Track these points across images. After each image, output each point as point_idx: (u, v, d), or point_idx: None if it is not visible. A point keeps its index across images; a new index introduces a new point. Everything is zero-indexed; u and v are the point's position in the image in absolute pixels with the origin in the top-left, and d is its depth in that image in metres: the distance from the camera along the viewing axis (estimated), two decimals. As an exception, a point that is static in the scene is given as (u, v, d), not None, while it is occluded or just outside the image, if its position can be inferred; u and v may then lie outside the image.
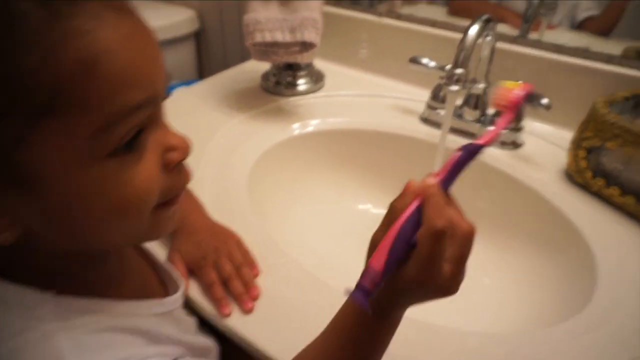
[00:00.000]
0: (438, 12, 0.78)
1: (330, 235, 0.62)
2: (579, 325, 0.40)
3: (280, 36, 0.61)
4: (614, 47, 0.63)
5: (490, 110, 0.65)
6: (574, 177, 0.55)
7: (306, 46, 0.63)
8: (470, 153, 0.29)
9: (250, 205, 0.53)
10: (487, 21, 0.53)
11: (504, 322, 0.49)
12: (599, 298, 0.43)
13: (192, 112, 0.69)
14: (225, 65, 0.79)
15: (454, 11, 0.78)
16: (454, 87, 0.52)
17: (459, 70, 0.51)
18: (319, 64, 0.81)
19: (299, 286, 0.43)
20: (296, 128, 0.67)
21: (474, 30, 0.51)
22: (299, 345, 0.33)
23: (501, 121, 0.31)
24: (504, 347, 0.38)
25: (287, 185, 0.64)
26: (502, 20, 0.70)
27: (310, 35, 0.61)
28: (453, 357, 0.37)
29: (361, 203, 0.67)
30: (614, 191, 0.51)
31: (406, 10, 0.77)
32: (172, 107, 0.69)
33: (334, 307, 0.32)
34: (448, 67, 0.53)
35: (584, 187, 0.55)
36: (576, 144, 0.54)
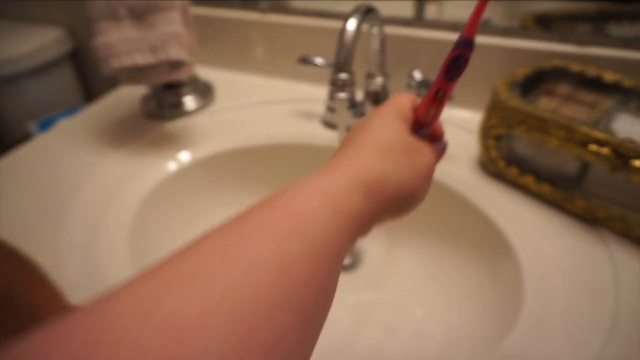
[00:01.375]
0: None
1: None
2: (513, 345, 0.36)
3: (140, 58, 0.52)
4: (509, 12, 0.59)
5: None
6: (488, 167, 0.51)
7: (175, 64, 0.55)
8: (459, 48, 0.27)
9: (133, 269, 0.45)
10: (367, 11, 0.47)
11: (428, 338, 0.44)
12: (527, 303, 0.39)
13: (55, 160, 0.59)
14: (113, 83, 0.69)
15: None
16: (342, 95, 0.45)
17: (343, 75, 0.44)
18: (205, 73, 0.72)
19: None
20: (185, 156, 0.58)
21: (351, 25, 0.44)
22: None
23: (479, 6, 0.26)
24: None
25: (182, 228, 0.56)
26: None
27: (175, 53, 0.52)
28: None
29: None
30: (528, 179, 0.47)
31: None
32: (32, 156, 0.58)
33: None
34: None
35: (500, 176, 0.50)
36: (484, 133, 0.50)
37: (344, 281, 0.55)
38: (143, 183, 0.55)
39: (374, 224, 0.25)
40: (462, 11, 0.62)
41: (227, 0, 0.72)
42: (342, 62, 0.44)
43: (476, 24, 0.25)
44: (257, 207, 0.22)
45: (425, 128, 0.29)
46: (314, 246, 0.20)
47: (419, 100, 0.30)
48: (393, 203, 0.26)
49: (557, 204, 0.46)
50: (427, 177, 0.28)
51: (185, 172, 0.58)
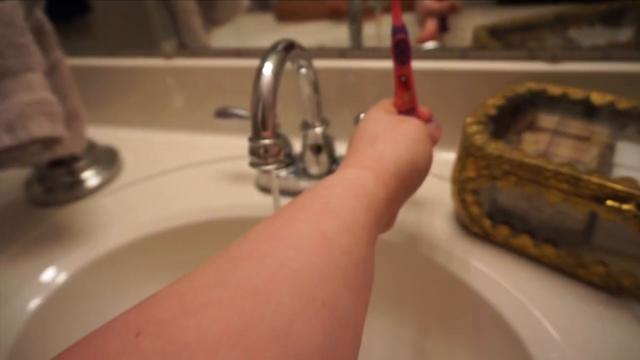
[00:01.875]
0: (265, 23, 0.60)
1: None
2: None
3: (-8, 142, 0.38)
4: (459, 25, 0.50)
5: (341, 152, 0.48)
6: (471, 227, 0.40)
7: (47, 141, 0.41)
8: (398, 41, 0.32)
9: None
10: (288, 48, 0.35)
11: None
12: None
13: None
14: None
15: (281, 16, 0.61)
16: (269, 167, 0.33)
17: (266, 141, 0.32)
18: (108, 136, 0.59)
19: None
20: (82, 256, 0.44)
21: (268, 70, 0.32)
22: None
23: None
24: None
25: None
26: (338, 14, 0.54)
27: (41, 129, 0.39)
28: None
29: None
30: (524, 240, 0.37)
31: (224, 31, 0.58)
32: None
33: None
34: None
35: (487, 239, 0.40)
36: (459, 186, 0.39)
37: None
38: (25, 300, 0.40)
39: (393, 205, 0.28)
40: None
41: (124, 47, 0.59)
42: (260, 121, 0.32)
43: (399, 13, 0.31)
44: (288, 206, 0.24)
45: (410, 114, 0.34)
46: (346, 221, 0.22)
47: None
48: (400, 174, 0.28)
49: (565, 270, 0.36)
50: (420, 140, 0.30)
51: (81, 279, 0.44)
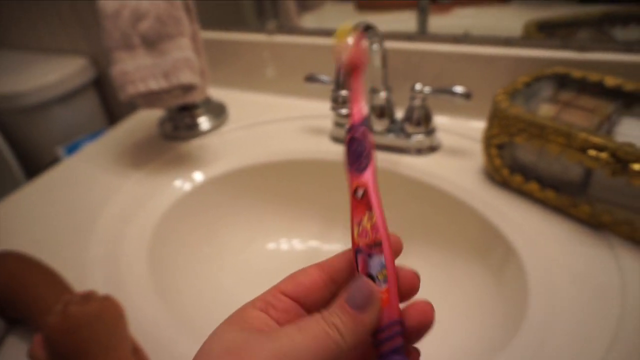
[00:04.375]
0: (346, 11, 0.74)
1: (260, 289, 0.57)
2: (517, 350, 0.36)
3: (154, 84, 0.55)
4: (514, 18, 0.60)
5: (399, 115, 0.61)
6: (493, 176, 0.52)
7: (187, 87, 0.57)
8: (351, 140, 0.23)
9: (151, 283, 0.47)
10: (366, 29, 0.48)
11: (435, 345, 0.44)
12: (532, 309, 0.39)
13: (80, 182, 0.62)
14: (133, 107, 0.73)
15: (362, 6, 0.74)
16: (343, 111, 0.47)
17: (343, 92, 0.46)
18: (218, 94, 0.75)
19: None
20: (200, 175, 0.61)
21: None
22: None
23: (354, 84, 0.23)
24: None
25: (198, 245, 0.58)
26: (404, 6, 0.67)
27: (186, 77, 0.55)
28: None
29: (287, 241, 0.62)
30: (533, 186, 0.48)
31: (311, 15, 0.73)
32: (60, 179, 0.62)
33: None
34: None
35: (505, 184, 0.51)
36: (487, 142, 0.50)
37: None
38: (160, 202, 0.57)
39: None
40: (470, 21, 0.63)
41: (236, 23, 0.75)
42: (342, 79, 0.46)
43: (359, 99, 0.22)
44: None
45: (376, 248, 0.21)
46: None
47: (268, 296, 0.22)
48: None
49: (562, 210, 0.47)
50: None
51: (200, 190, 0.60)
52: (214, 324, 0.49)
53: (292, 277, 0.22)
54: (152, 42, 0.55)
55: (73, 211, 0.57)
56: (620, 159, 0.39)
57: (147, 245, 0.52)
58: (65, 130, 1.00)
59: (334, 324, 0.19)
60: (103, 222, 0.54)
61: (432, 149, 0.59)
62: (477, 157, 0.56)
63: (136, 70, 0.55)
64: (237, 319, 0.21)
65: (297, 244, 0.62)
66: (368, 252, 0.20)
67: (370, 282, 0.20)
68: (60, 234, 0.53)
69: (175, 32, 0.55)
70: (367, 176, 0.21)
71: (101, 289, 0.44)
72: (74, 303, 0.36)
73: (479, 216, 0.49)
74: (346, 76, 0.22)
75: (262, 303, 0.21)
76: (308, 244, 0.61)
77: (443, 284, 0.51)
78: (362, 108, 0.22)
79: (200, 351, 0.20)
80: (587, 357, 0.35)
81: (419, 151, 0.58)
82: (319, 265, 0.22)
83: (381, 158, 0.59)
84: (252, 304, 0.22)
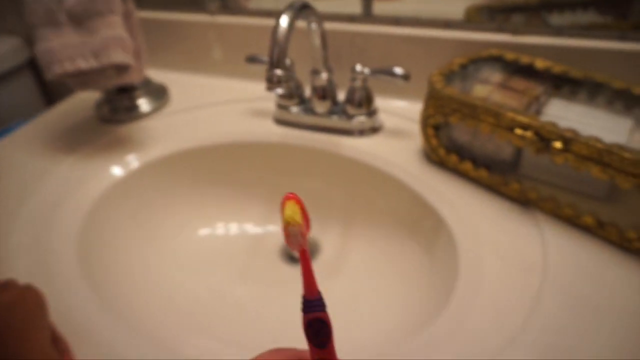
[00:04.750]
0: None
1: (198, 275, 0.56)
2: (444, 324, 0.37)
3: (83, 63, 0.52)
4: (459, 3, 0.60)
5: (341, 97, 0.60)
6: (430, 155, 0.52)
7: (121, 68, 0.55)
8: (313, 322, 0.23)
9: (79, 270, 0.45)
10: (302, 8, 0.48)
11: (366, 332, 0.45)
12: (460, 284, 0.40)
13: (7, 167, 0.59)
14: (72, 90, 0.69)
15: None
16: (279, 90, 0.46)
17: (277, 71, 0.45)
18: (159, 76, 0.72)
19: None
20: (135, 159, 0.59)
21: (284, 22, 0.45)
22: None
23: (304, 265, 0.23)
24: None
25: (131, 231, 0.56)
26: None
27: (117, 56, 0.53)
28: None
29: (224, 226, 0.61)
30: (467, 166, 0.49)
31: None
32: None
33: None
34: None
35: (442, 164, 0.52)
36: (423, 123, 0.51)
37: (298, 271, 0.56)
38: (93, 187, 0.55)
39: None
40: (415, 6, 0.64)
41: (177, 3, 0.72)
42: (275, 58, 0.45)
43: (310, 281, 0.22)
44: None
45: None
46: None
47: None
48: None
49: (494, 188, 0.48)
50: None
51: (134, 175, 0.58)
52: (143, 309, 0.48)
53: None
54: (80, 20, 0.52)
55: (-2, 198, 0.54)
56: (544, 137, 0.41)
57: (76, 231, 0.49)
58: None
59: None
60: (30, 208, 0.52)
61: (374, 130, 0.59)
62: (416, 138, 0.56)
63: (63, 49, 0.52)
64: None
65: (234, 229, 0.61)
66: None
67: None
68: (-18, 221, 0.50)
69: (105, 9, 0.53)
70: (329, 353, 0.23)
71: (24, 278, 0.42)
72: None
73: (415, 194, 0.50)
74: (296, 252, 0.22)
75: None
76: (245, 228, 0.61)
77: (379, 261, 0.52)
78: (316, 286, 0.22)
79: None
80: (506, 325, 0.36)
81: (361, 132, 0.59)
82: None
83: (323, 140, 0.59)
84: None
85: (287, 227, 0.21)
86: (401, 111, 0.62)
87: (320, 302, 0.22)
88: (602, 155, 0.37)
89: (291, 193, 0.21)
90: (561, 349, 0.34)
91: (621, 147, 0.37)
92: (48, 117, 0.69)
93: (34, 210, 0.51)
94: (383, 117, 0.61)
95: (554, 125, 0.40)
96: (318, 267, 0.57)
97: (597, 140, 0.38)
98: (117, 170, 0.57)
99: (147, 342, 0.39)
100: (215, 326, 0.49)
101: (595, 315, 0.36)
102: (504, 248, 0.43)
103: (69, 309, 0.41)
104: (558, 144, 0.40)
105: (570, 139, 0.39)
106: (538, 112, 0.47)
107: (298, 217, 0.21)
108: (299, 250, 0.21)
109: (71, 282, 0.44)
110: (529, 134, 0.41)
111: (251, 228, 0.61)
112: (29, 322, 0.33)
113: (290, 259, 0.58)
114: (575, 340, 0.35)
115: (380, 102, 0.61)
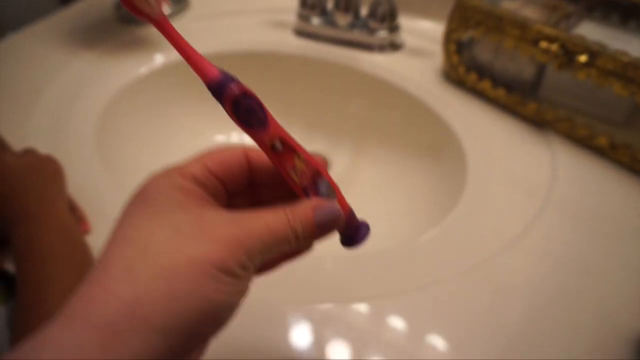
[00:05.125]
0: None
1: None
2: (445, 228, 0.38)
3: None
4: None
5: (364, 12, 0.59)
6: (449, 74, 0.52)
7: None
8: (234, 104, 0.19)
9: (98, 156, 0.46)
10: None
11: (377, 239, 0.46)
12: (466, 197, 0.41)
13: (24, 58, 0.59)
14: None
15: None
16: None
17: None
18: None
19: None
20: (157, 60, 0.59)
21: None
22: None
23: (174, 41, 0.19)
24: (359, 268, 0.36)
25: (150, 129, 0.57)
26: None
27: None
28: (308, 283, 0.35)
29: (238, 134, 0.62)
30: (486, 85, 0.48)
31: None
32: (2, 54, 0.59)
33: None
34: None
35: (461, 84, 0.51)
36: (446, 38, 0.50)
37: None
38: (113, 83, 0.55)
39: None
40: None
41: None
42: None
43: (196, 59, 0.18)
44: None
45: (318, 177, 0.21)
46: None
47: (195, 165, 0.20)
48: None
49: (510, 108, 0.47)
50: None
51: (156, 75, 0.58)
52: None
53: (217, 154, 0.21)
54: None
55: (16, 85, 0.54)
56: (569, 50, 0.40)
57: (95, 121, 0.50)
58: (13, 12, 0.93)
59: (295, 231, 0.19)
60: (50, 97, 0.52)
61: (395, 47, 0.58)
62: (437, 58, 0.55)
63: None
64: (171, 191, 0.19)
65: (248, 139, 0.61)
66: (314, 183, 0.21)
67: (339, 207, 0.21)
68: (0, 104, 0.51)
69: None
70: (274, 126, 0.20)
71: (43, 154, 0.43)
72: (10, 154, 0.36)
73: (430, 111, 0.50)
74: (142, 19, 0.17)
75: (191, 178, 0.19)
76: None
77: (390, 176, 0.53)
78: (207, 63, 0.18)
79: (132, 233, 0.17)
80: (506, 232, 0.37)
81: (382, 48, 0.58)
82: (244, 151, 0.21)
83: (342, 54, 0.58)
84: (179, 173, 0.19)
85: None
86: (425, 32, 0.60)
87: (226, 78, 0.18)
88: (627, 70, 0.36)
89: None
90: (560, 255, 0.35)
91: (647, 62, 0.36)
92: (66, 15, 0.68)
93: (54, 99, 0.52)
94: (405, 37, 0.59)
95: (581, 38, 0.39)
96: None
97: (624, 53, 0.37)
98: (138, 69, 0.57)
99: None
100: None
101: (598, 229, 0.37)
102: (513, 165, 0.43)
103: (85, 187, 0.42)
104: (583, 58, 0.39)
105: (596, 52, 0.38)
106: (566, 30, 0.46)
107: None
108: (153, 19, 0.17)
109: (88, 164, 0.45)
110: (554, 47, 0.40)
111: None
112: (47, 186, 0.35)
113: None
114: (575, 249, 0.36)
115: (404, 21, 0.59)
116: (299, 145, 0.20)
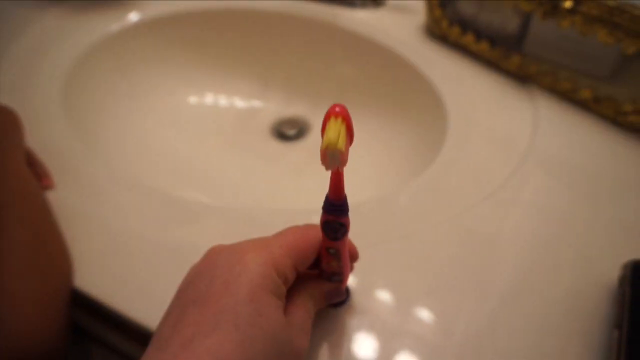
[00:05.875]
0: None
1: (186, 139, 0.55)
2: (425, 180, 0.37)
3: None
4: None
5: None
6: (432, 28, 0.50)
7: None
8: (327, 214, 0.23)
9: (62, 111, 0.44)
10: None
11: (356, 194, 0.45)
12: (446, 150, 0.40)
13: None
14: None
15: None
16: None
17: None
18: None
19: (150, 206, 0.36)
20: (127, 19, 0.56)
21: None
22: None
23: (335, 177, 0.22)
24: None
25: (121, 88, 0.54)
26: None
27: None
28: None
29: (213, 96, 0.60)
30: (469, 38, 0.47)
31: None
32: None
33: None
34: None
35: (443, 39, 0.50)
36: (429, -10, 0.48)
37: (288, 148, 0.56)
38: (83, 39, 0.52)
39: None
40: None
41: None
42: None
43: (339, 187, 0.22)
44: None
45: (336, 276, 0.26)
46: None
47: (282, 259, 0.22)
48: None
49: (493, 63, 0.46)
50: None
51: (128, 34, 0.56)
52: (126, 156, 0.47)
53: (305, 252, 0.24)
54: None
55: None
56: (553, -3, 0.38)
57: (63, 78, 0.48)
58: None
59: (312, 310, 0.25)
60: (14, 52, 0.50)
61: (377, 2, 0.56)
62: (420, 14, 0.53)
63: None
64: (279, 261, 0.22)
65: (224, 101, 0.59)
66: (333, 274, 0.26)
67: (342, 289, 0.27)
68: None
69: None
70: (343, 244, 0.24)
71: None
72: None
73: (411, 67, 0.48)
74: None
75: (284, 279, 0.22)
76: (234, 101, 0.59)
77: (373, 130, 0.51)
78: (343, 191, 0.22)
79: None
80: (487, 183, 0.36)
81: (363, 3, 0.56)
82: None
83: (322, 11, 0.56)
84: (276, 271, 0.22)
85: (327, 150, 0.18)
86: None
87: (343, 207, 0.22)
88: (613, 15, 0.35)
89: (338, 106, 0.19)
90: (541, 207, 0.35)
91: (633, 5, 0.35)
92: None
93: (20, 55, 0.49)
94: (387, -8, 0.57)
95: (566, -16, 0.38)
96: (308, 146, 0.56)
97: (610, -2, 0.36)
98: (110, 25, 0.55)
99: (128, 180, 0.39)
100: (200, 185, 0.49)
101: (580, 182, 0.36)
102: (495, 119, 0.42)
103: (49, 144, 0.40)
104: (568, 3, 0.37)
105: (581, -3, 0.37)
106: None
107: (342, 143, 0.19)
108: (333, 171, 0.21)
109: (54, 118, 0.43)
110: (538, -6, 0.39)
111: (240, 102, 0.60)
112: (2, 136, 0.33)
113: (280, 136, 0.57)
114: (556, 200, 0.35)
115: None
116: (345, 259, 0.25)
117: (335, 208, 0.22)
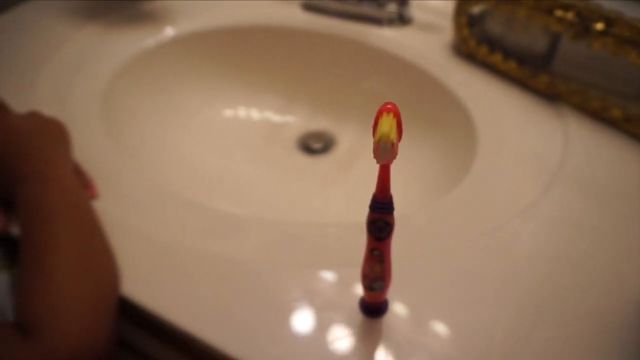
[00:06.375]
0: None
1: (217, 152, 0.56)
2: (456, 196, 0.38)
3: None
4: None
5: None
6: (460, 47, 0.51)
7: None
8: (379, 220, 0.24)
9: (102, 125, 0.46)
10: None
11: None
12: (477, 168, 0.40)
13: (30, 29, 0.58)
14: None
15: None
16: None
17: None
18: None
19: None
20: (162, 34, 0.58)
21: None
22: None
23: (383, 173, 0.23)
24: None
25: (157, 102, 0.56)
26: None
27: None
28: (314, 248, 0.34)
29: (245, 109, 0.61)
30: (497, 57, 0.47)
31: None
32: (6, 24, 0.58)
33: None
34: None
35: (471, 57, 0.50)
36: (457, 10, 0.49)
37: (316, 162, 0.57)
38: (119, 54, 0.54)
39: None
40: None
41: None
42: None
43: (385, 185, 0.23)
44: None
45: (378, 282, 0.27)
46: None
47: None
48: None
49: (522, 81, 0.47)
50: None
51: (164, 49, 0.57)
52: (161, 169, 0.48)
53: None
54: None
55: (21, 55, 0.54)
56: (585, 18, 0.39)
57: (101, 90, 0.50)
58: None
59: None
60: (51, 68, 0.52)
61: (404, 21, 0.57)
62: (447, 32, 0.54)
63: None
64: None
65: (255, 114, 0.61)
66: (375, 280, 0.27)
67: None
68: (3, 77, 0.51)
69: None
70: (385, 245, 0.25)
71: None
72: (13, 115, 0.35)
73: (439, 85, 0.49)
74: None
75: None
76: (265, 115, 0.61)
77: (400, 147, 0.52)
78: (390, 190, 0.23)
79: None
80: (519, 200, 0.36)
81: (391, 22, 0.57)
82: None
83: (351, 28, 0.57)
84: None
85: (379, 142, 0.20)
86: (434, 6, 0.59)
87: (389, 205, 0.23)
88: (645, 37, 0.36)
89: (390, 103, 0.21)
90: (572, 223, 0.35)
91: (666, 28, 0.35)
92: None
93: (58, 70, 0.51)
94: (415, 11, 0.58)
95: (598, 5, 0.38)
96: (334, 160, 0.57)
97: (642, 20, 0.36)
98: (145, 40, 0.56)
99: (166, 191, 0.40)
100: (232, 197, 0.50)
101: (610, 200, 0.37)
102: (524, 137, 0.42)
103: (90, 155, 0.41)
104: (600, 26, 0.38)
105: (613, 20, 0.37)
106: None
107: (393, 135, 0.20)
108: (384, 164, 0.22)
109: (94, 131, 0.45)
110: (569, 15, 0.39)
111: (269, 116, 0.61)
112: (53, 147, 0.34)
113: (306, 149, 0.58)
114: (587, 218, 0.35)
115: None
116: (388, 263, 0.26)
117: (382, 206, 0.23)
